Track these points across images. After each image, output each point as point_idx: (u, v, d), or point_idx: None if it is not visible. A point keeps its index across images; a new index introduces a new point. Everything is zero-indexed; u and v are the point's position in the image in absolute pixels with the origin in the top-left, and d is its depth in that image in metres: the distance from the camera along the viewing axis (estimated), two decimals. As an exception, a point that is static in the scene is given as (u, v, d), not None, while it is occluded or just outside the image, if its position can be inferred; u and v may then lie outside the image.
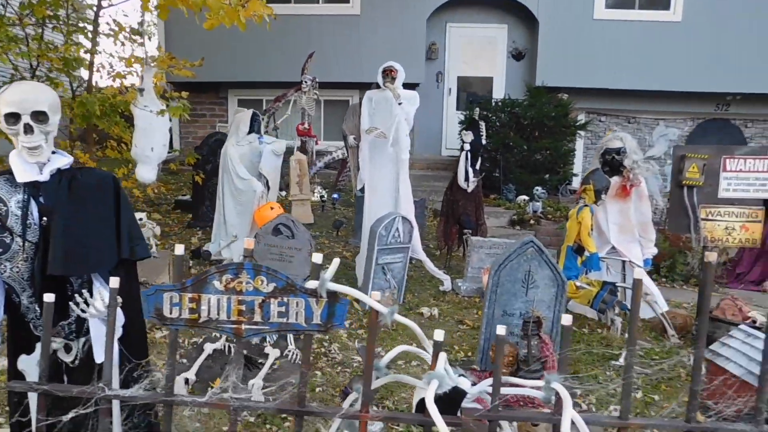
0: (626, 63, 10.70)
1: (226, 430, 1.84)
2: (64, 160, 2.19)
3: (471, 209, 6.30)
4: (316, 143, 9.26)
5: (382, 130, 5.45)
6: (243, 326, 1.87)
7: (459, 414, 1.99)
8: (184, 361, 4.12)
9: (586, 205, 4.96)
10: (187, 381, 3.78)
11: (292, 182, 7.49)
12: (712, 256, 1.94)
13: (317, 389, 3.85)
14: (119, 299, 1.98)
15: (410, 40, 10.91)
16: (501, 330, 1.96)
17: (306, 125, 8.89)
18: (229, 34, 10.77)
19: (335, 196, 8.46)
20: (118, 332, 2.09)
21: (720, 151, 5.27)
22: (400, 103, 5.40)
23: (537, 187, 8.55)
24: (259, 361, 4.11)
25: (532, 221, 8.17)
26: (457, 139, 10.07)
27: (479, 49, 11.57)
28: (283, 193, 7.84)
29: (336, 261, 1.90)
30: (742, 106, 11.10)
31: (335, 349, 4.44)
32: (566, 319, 1.97)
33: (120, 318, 2.08)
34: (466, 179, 6.14)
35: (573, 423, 1.86)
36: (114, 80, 7.19)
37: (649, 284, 5.24)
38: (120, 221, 2.26)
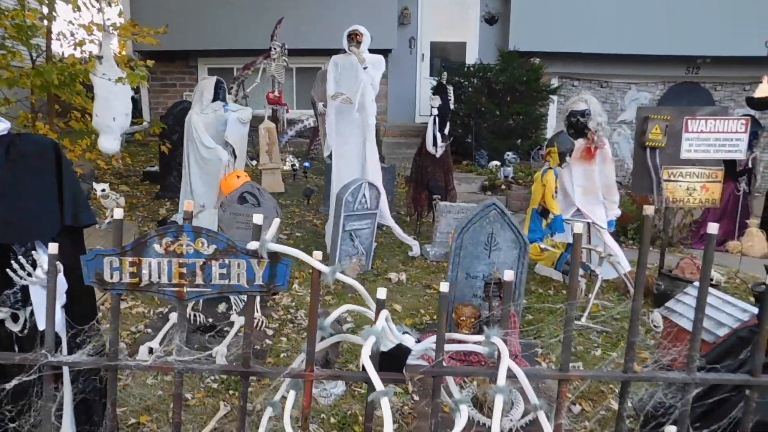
0: (598, 27, 10.66)
1: (175, 393, 1.85)
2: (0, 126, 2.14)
3: (440, 174, 6.31)
4: (287, 111, 9.14)
5: (348, 96, 5.40)
6: (185, 289, 1.87)
7: (404, 371, 2.03)
8: (149, 330, 4.12)
9: (550, 168, 4.99)
10: (151, 350, 3.79)
11: (261, 151, 7.42)
12: (649, 210, 1.97)
13: (282, 355, 3.88)
14: (60, 266, 1.97)
15: (382, 5, 10.73)
16: (444, 287, 1.99)
17: (276, 93, 8.76)
18: (198, 1, 10.58)
19: (306, 164, 8.41)
20: (62, 299, 2.08)
21: (682, 112, 5.33)
22: (365, 68, 5.34)
23: (508, 153, 8.58)
24: (225, 328, 4.13)
25: (503, 186, 8.22)
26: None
27: (452, 14, 11.43)
28: (254, 162, 7.77)
29: (276, 221, 1.90)
30: (712, 69, 11.17)
31: (301, 315, 4.47)
32: (508, 275, 2.00)
33: (63, 285, 2.06)
34: (435, 144, 6.14)
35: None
36: (75, 48, 7.00)
37: (612, 245, 5.32)
38: (62, 188, 2.22)
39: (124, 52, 8.36)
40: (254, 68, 8.62)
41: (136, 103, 11.55)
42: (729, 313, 3.64)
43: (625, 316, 4.97)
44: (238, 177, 5.35)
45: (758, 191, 8.33)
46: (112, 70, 5.22)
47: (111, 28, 6.18)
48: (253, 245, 1.85)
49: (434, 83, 10.44)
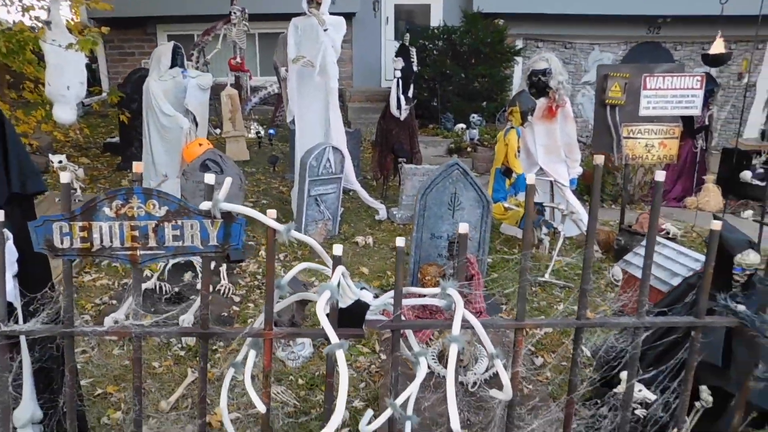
0: (561, -14, 10.65)
1: (134, 357, 1.85)
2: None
3: (405, 138, 6.30)
4: (250, 78, 8.97)
5: (309, 59, 5.31)
6: (138, 252, 1.85)
7: (363, 326, 2.06)
8: (114, 302, 4.09)
9: (512, 128, 5.03)
10: (116, 322, 3.75)
11: (224, 119, 7.29)
12: (599, 159, 2.01)
13: (249, 320, 3.90)
14: (9, 234, 1.93)
15: (344, -33, 10.50)
16: (400, 242, 2.01)
17: (238, 59, 8.57)
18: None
19: (271, 131, 8.31)
20: (13, 268, 2.04)
21: (640, 69, 5.40)
22: (325, 30, 5.25)
23: (473, 115, 8.61)
24: (191, 297, 4.11)
25: (469, 149, 8.25)
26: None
27: (416, -25, 11.28)
28: (218, 130, 7.63)
29: (228, 180, 1.88)
30: (672, 28, 11.28)
31: (269, 280, 4.46)
32: (463, 228, 2.03)
33: (13, 253, 2.02)
34: (398, 107, 6.11)
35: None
36: (23, 14, 6.71)
37: (574, 203, 5.43)
38: (7, 155, 2.16)
39: (78, 19, 8.03)
40: (214, 34, 8.40)
41: (93, 72, 11.20)
42: (683, 263, 3.78)
43: (587, 271, 5.11)
44: (200, 145, 5.27)
45: (715, 149, 8.54)
46: (63, 36, 5.01)
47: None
48: (205, 205, 1.83)
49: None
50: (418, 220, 4.32)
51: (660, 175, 2.04)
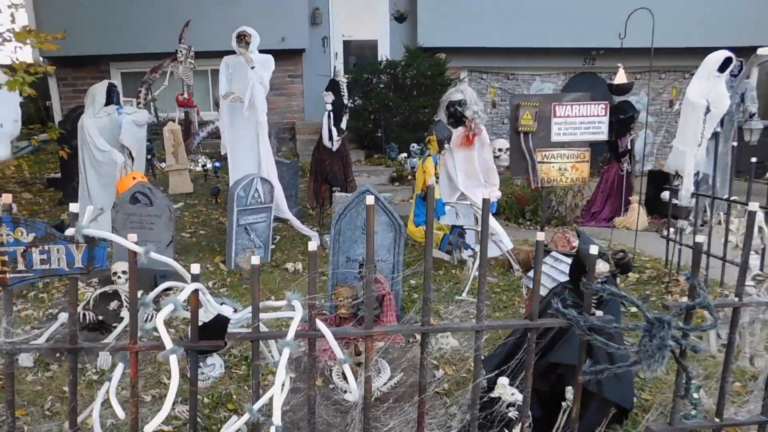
0: (501, 22, 11.19)
1: (7, 373, 2.03)
2: None
3: (338, 167, 6.57)
4: (198, 113, 9.20)
5: (238, 94, 5.58)
6: (8, 275, 2.05)
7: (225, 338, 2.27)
8: (36, 332, 4.21)
9: (429, 155, 5.33)
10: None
11: (167, 152, 7.49)
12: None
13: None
14: None
15: (293, 6, 10.89)
16: (255, 260, 2.24)
17: (186, 96, 8.82)
18: (104, 6, 10.44)
19: (218, 164, 8.52)
20: None
21: (549, 99, 5.80)
22: (252, 67, 5.53)
23: (413, 144, 8.95)
24: (114, 324, 4.26)
25: (409, 177, 8.56)
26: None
27: (362, 13, 11.73)
28: (163, 164, 7.82)
29: (89, 208, 2.09)
30: (606, 59, 11.89)
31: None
32: (311, 246, 2.27)
33: None
34: (330, 138, 6.39)
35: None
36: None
37: (494, 225, 5.72)
38: None
39: (22, 59, 8.21)
40: (161, 71, 8.65)
41: (47, 110, 11.34)
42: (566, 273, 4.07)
43: (505, 290, 5.39)
44: (134, 179, 5.46)
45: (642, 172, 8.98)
46: (-5, 76, 5.22)
47: (5, 33, 6.12)
48: (69, 231, 2.04)
49: (346, 80, 10.74)
50: (333, 244, 4.56)
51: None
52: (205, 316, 2.24)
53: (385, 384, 3.54)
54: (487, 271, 5.81)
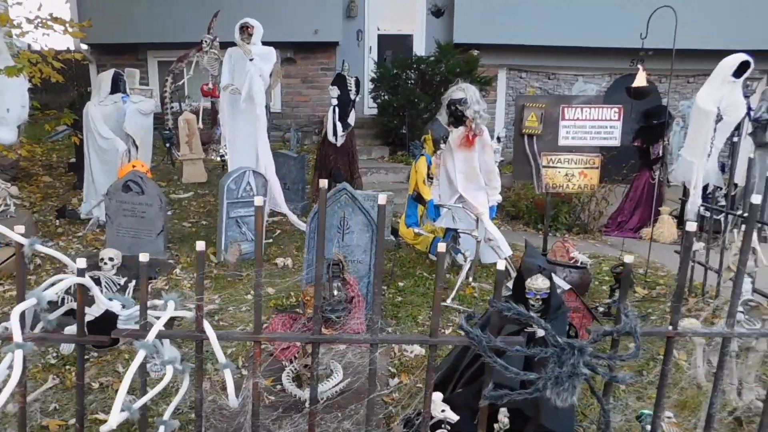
0: (544, 19, 10.78)
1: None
2: None
3: (343, 163, 6.46)
4: (224, 104, 9.29)
5: (237, 86, 5.56)
6: None
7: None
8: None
9: (422, 155, 5.14)
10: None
11: (181, 142, 7.59)
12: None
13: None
14: None
15: (328, -2, 10.87)
16: (143, 257, 2.16)
17: (210, 85, 8.90)
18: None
19: (236, 155, 8.56)
20: None
21: (558, 100, 5.50)
22: (251, 59, 5.49)
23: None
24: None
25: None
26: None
27: (399, 6, 11.57)
28: (179, 153, 7.94)
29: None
30: (655, 61, 11.23)
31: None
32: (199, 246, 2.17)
33: None
34: (335, 133, 6.29)
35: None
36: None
37: (492, 230, 5.45)
38: None
39: (58, 47, 8.51)
40: (187, 61, 8.78)
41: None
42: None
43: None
44: (134, 167, 5.54)
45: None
46: (5, 62, 5.38)
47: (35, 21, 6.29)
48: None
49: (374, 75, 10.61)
50: (308, 242, 4.45)
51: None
52: (92, 312, 2.19)
53: (332, 388, 3.42)
54: (484, 277, 5.59)
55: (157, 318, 2.35)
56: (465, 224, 5.56)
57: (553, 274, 4.05)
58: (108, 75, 5.91)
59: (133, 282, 4.74)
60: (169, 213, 6.52)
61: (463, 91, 5.41)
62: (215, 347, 2.15)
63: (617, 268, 4.81)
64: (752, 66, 4.24)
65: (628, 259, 2.18)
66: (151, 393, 2.13)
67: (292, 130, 7.33)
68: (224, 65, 5.79)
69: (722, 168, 5.66)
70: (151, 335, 1.97)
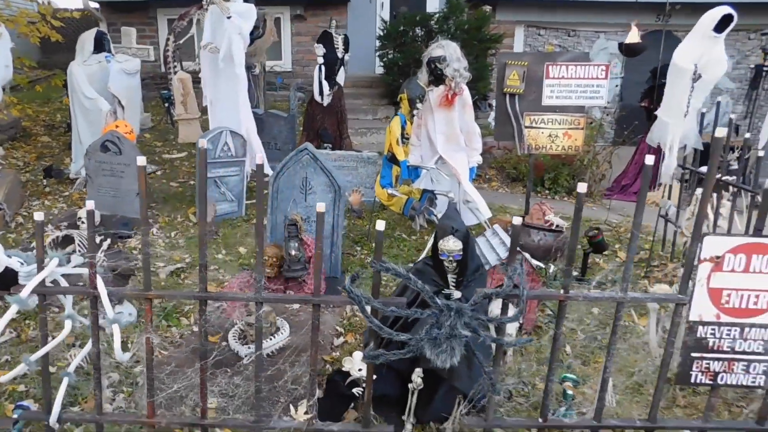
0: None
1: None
2: None
3: (330, 123, 6.38)
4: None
5: (215, 45, 5.51)
6: None
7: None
8: None
9: (396, 115, 5.03)
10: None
11: (176, 102, 7.62)
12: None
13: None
14: None
15: (338, -47, 10.61)
16: (37, 216, 2.19)
17: (212, 45, 8.86)
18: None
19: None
20: None
21: (542, 58, 5.26)
22: (229, 17, 5.41)
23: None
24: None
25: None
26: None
27: (412, -39, 11.22)
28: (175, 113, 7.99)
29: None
30: (683, 16, 10.61)
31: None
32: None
33: None
34: (321, 93, 6.20)
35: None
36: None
37: (471, 192, 5.34)
38: None
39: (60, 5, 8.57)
40: (188, 18, 8.72)
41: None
42: (497, 252, 3.75)
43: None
44: (117, 127, 5.59)
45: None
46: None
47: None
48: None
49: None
50: (272, 202, 4.44)
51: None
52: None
53: (276, 344, 3.46)
54: (461, 240, 5.49)
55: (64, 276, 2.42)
56: (443, 186, 5.46)
57: (485, 239, 3.97)
58: (90, 34, 5.92)
59: (108, 240, 4.86)
60: (158, 173, 6.60)
61: (443, 48, 5.22)
62: (105, 303, 2.18)
63: (590, 232, 4.67)
64: (735, 20, 3.94)
65: (516, 220, 2.10)
66: (48, 346, 2.21)
67: (291, 89, 7.23)
68: (205, 23, 5.72)
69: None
70: (26, 291, 2.01)
